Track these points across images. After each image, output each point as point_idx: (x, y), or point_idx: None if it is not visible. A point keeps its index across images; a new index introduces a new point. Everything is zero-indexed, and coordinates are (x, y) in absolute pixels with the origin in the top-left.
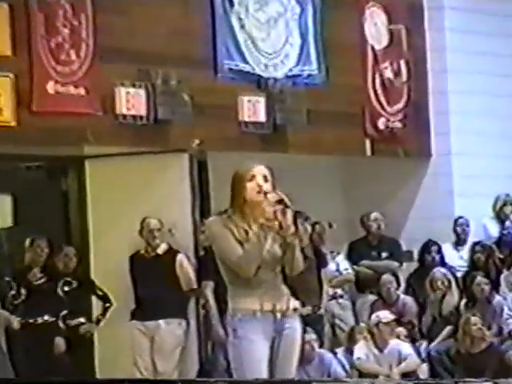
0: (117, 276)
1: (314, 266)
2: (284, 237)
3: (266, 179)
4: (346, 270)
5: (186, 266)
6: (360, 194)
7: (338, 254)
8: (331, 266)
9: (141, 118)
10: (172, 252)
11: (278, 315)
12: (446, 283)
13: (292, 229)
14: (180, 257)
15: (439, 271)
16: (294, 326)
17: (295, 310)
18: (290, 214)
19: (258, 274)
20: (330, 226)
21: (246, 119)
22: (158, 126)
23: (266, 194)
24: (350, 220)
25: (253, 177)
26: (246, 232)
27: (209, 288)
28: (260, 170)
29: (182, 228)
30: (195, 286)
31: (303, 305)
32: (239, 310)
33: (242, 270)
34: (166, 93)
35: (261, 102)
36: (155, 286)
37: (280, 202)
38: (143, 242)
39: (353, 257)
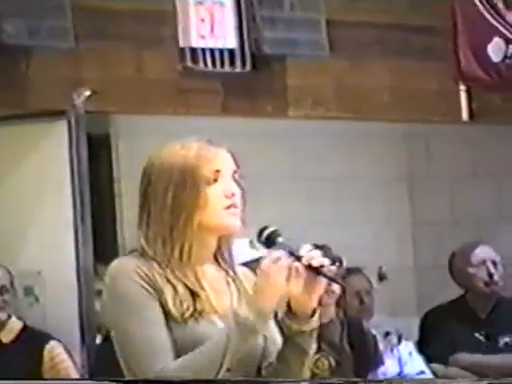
0: None
1: (348, 364)
2: (293, 332)
3: (235, 179)
4: (421, 374)
5: (63, 366)
6: (446, 205)
7: (401, 338)
8: (389, 367)
9: None
10: (33, 337)
11: None
12: None
13: (314, 323)
14: (51, 348)
15: None
16: None
17: None
18: (320, 288)
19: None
20: (382, 277)
21: (194, 44)
22: (4, 59)
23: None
24: (426, 263)
25: (217, 173)
26: (194, 296)
27: None
28: (227, 160)
29: (55, 284)
30: None
31: None
32: None
33: None
34: None
35: (226, 5)
36: None
37: (311, 267)
38: None
39: (434, 345)
